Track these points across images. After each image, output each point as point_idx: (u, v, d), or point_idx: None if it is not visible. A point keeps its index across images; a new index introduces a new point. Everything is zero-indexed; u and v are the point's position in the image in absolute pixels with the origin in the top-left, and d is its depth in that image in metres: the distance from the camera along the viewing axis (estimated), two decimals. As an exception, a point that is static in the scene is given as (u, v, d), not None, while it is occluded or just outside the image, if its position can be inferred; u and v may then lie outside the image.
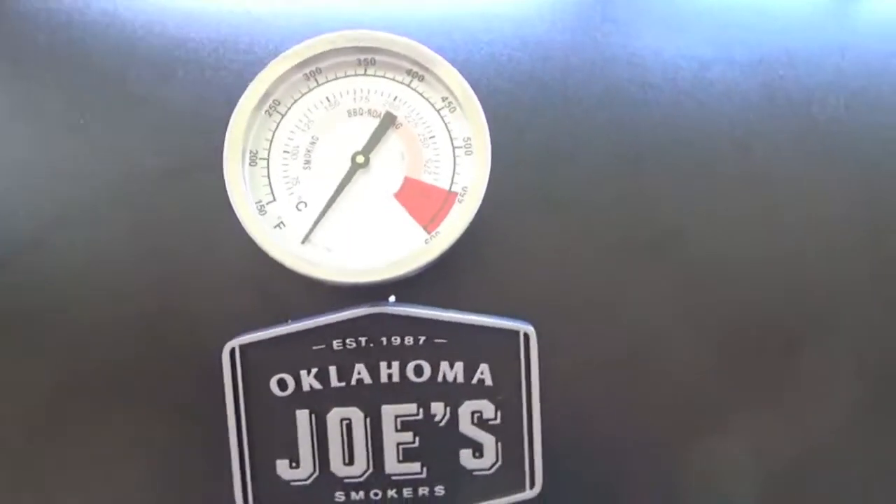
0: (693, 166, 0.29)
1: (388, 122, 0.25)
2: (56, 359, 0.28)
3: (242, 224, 0.24)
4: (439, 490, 0.28)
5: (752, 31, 0.31)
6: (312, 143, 0.25)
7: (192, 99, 0.28)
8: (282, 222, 0.24)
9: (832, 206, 0.30)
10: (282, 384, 0.27)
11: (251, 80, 0.24)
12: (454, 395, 0.27)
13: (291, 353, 0.27)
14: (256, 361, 0.27)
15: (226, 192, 0.24)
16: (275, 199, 0.25)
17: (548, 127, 0.28)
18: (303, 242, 0.24)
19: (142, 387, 0.28)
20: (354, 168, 0.25)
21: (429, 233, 0.24)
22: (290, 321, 0.27)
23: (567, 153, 0.28)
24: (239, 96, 0.24)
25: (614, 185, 0.28)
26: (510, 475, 0.28)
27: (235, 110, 0.24)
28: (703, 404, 0.29)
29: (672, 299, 0.29)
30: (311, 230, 0.24)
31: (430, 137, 0.25)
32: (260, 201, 0.24)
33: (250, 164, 0.24)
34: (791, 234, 0.29)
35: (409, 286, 0.27)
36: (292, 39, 0.26)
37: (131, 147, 0.28)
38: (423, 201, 0.25)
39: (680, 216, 0.29)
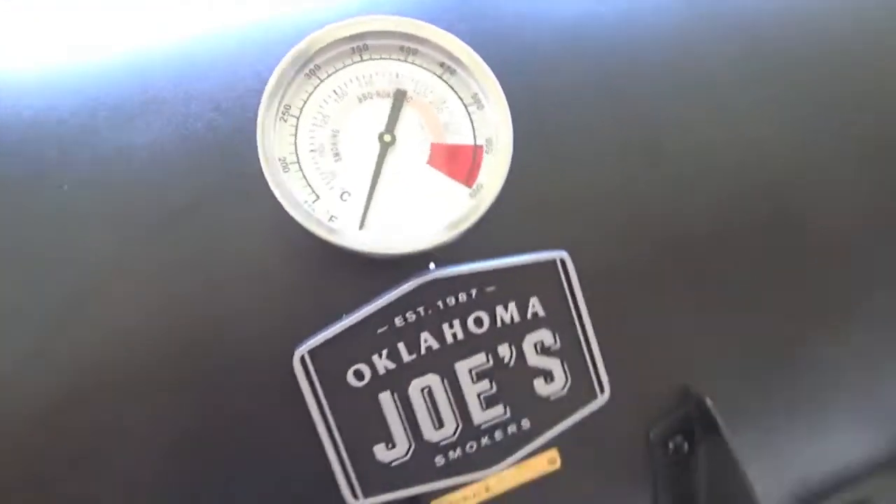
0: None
1: (401, 97, 0.26)
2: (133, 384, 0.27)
3: (306, 227, 0.24)
4: (525, 423, 0.30)
5: None
6: (335, 136, 0.26)
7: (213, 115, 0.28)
8: (332, 216, 0.25)
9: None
10: (358, 374, 0.28)
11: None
12: (515, 333, 0.29)
13: (358, 342, 0.28)
14: (327, 361, 0.27)
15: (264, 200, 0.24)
16: (318, 197, 0.25)
17: (539, 62, 0.31)
18: (361, 228, 0.25)
19: (216, 410, 0.28)
20: (384, 148, 0.26)
21: (470, 187, 0.26)
22: (344, 316, 0.28)
23: (560, 93, 0.31)
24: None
25: (604, 103, 0.31)
26: (581, 389, 0.30)
27: (258, 124, 0.24)
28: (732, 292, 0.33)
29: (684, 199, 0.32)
30: (365, 214, 0.25)
31: (443, 102, 0.26)
32: (305, 202, 0.25)
33: (284, 172, 0.25)
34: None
35: (442, 250, 0.28)
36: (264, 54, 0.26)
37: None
38: (454, 161, 0.26)
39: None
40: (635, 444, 0.33)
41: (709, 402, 0.32)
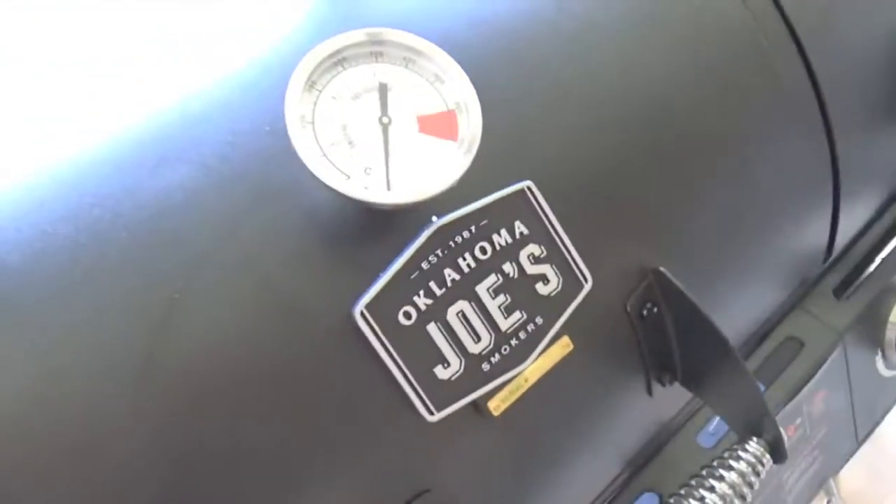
0: None
1: (384, 89, 0.33)
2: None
3: (352, 197, 0.31)
4: (539, 320, 0.37)
5: None
6: (345, 130, 0.32)
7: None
8: (365, 187, 0.32)
9: None
10: (406, 315, 0.34)
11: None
12: (512, 252, 0.37)
13: (400, 289, 0.34)
14: (381, 310, 0.34)
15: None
16: (349, 177, 0.32)
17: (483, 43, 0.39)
18: (388, 189, 0.32)
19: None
20: (385, 128, 0.33)
21: (455, 141, 0.33)
22: (381, 274, 0.34)
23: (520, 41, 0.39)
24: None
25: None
26: (571, 283, 0.38)
27: (289, 131, 0.31)
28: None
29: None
30: (388, 177, 0.32)
31: (414, 85, 0.34)
32: (342, 182, 0.31)
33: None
34: None
35: (438, 204, 0.35)
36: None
37: None
38: (438, 125, 0.33)
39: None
40: (619, 317, 0.41)
41: (664, 270, 0.41)
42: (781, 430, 0.42)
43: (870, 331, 0.62)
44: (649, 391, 0.44)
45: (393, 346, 0.34)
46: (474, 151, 0.33)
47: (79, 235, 0.32)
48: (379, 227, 0.35)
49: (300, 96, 0.32)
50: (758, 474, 0.42)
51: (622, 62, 0.43)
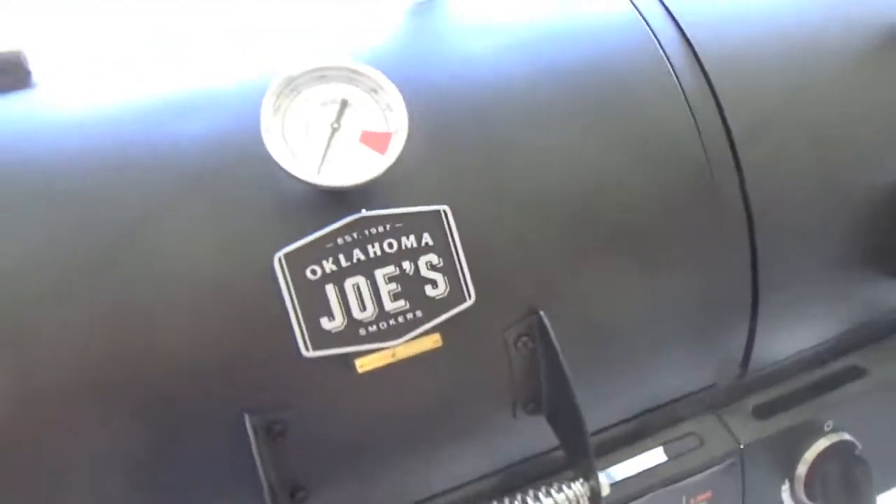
0: None
1: (345, 104, 0.45)
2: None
3: (291, 172, 0.42)
4: (418, 313, 0.47)
5: None
6: (307, 125, 0.44)
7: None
8: (301, 167, 0.43)
9: None
10: (313, 272, 0.45)
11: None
12: (414, 255, 0.47)
13: (314, 252, 0.45)
14: (294, 262, 0.45)
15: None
16: (295, 157, 0.44)
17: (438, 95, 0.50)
18: (318, 173, 0.43)
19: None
20: (333, 131, 0.44)
21: (383, 154, 0.44)
22: (304, 237, 0.45)
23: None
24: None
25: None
26: (455, 295, 0.48)
27: (262, 120, 0.43)
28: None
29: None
30: (321, 166, 0.43)
31: (369, 109, 0.45)
32: (290, 158, 0.43)
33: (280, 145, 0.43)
34: None
35: (371, 199, 0.46)
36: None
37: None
38: (375, 141, 0.45)
39: None
40: (495, 340, 0.50)
41: (543, 314, 0.50)
42: (603, 483, 0.49)
43: (782, 459, 0.65)
44: (514, 413, 0.52)
45: (295, 291, 0.45)
46: (390, 163, 0.44)
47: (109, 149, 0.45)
48: (321, 206, 0.46)
49: (280, 92, 0.44)
50: (571, 508, 0.49)
51: (570, 147, 0.52)
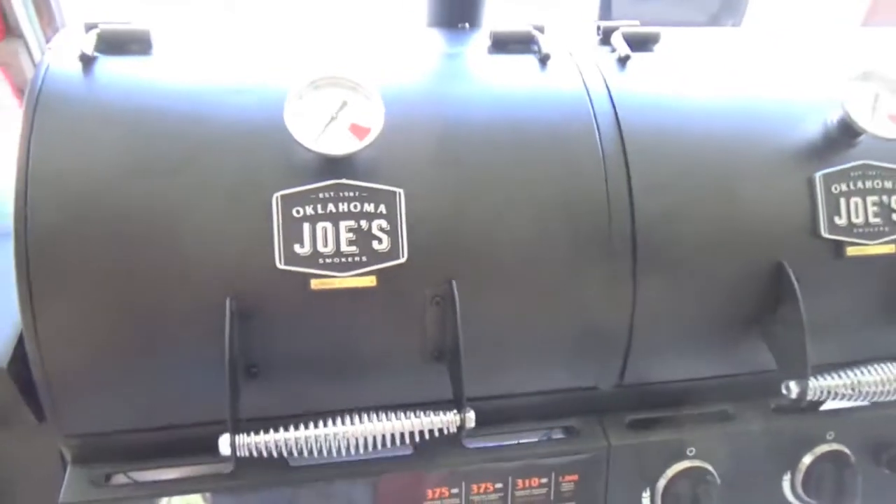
0: None
1: (344, 104, 0.65)
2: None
3: (292, 135, 0.63)
4: (364, 258, 0.65)
5: None
6: (316, 112, 0.65)
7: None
8: (304, 136, 0.63)
9: None
10: (297, 211, 0.65)
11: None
12: (370, 217, 0.66)
13: (301, 198, 0.65)
14: (286, 203, 0.65)
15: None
16: (305, 131, 0.64)
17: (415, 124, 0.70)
18: (315, 142, 0.63)
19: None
20: (331, 120, 0.65)
21: (361, 140, 0.64)
22: (299, 187, 0.65)
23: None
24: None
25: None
26: (393, 252, 0.66)
27: (289, 102, 0.63)
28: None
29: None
30: (318, 139, 0.63)
31: (361, 109, 0.65)
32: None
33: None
34: None
35: (351, 172, 0.66)
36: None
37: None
38: (358, 131, 0.64)
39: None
40: (416, 294, 0.68)
41: (454, 284, 0.67)
42: (470, 417, 0.65)
43: (646, 468, 0.79)
44: (421, 357, 0.69)
45: (282, 221, 0.64)
46: (363, 146, 0.64)
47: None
48: (315, 170, 0.66)
49: (304, 87, 0.65)
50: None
51: (503, 172, 0.70)
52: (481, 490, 0.75)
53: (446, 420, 0.66)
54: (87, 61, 0.68)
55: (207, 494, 0.69)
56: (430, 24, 0.91)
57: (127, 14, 0.75)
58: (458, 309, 0.66)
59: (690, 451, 0.79)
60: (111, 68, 0.69)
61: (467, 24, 0.87)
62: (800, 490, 0.82)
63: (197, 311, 0.64)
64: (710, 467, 0.79)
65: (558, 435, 0.78)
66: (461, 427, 0.66)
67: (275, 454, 0.64)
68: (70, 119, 0.65)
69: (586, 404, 0.79)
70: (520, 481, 0.75)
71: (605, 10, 1.33)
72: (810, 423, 0.82)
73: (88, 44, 0.70)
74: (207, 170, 0.65)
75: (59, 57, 0.69)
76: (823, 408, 0.83)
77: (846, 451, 0.81)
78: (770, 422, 0.81)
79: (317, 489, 0.72)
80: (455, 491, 0.74)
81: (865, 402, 0.83)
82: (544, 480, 0.76)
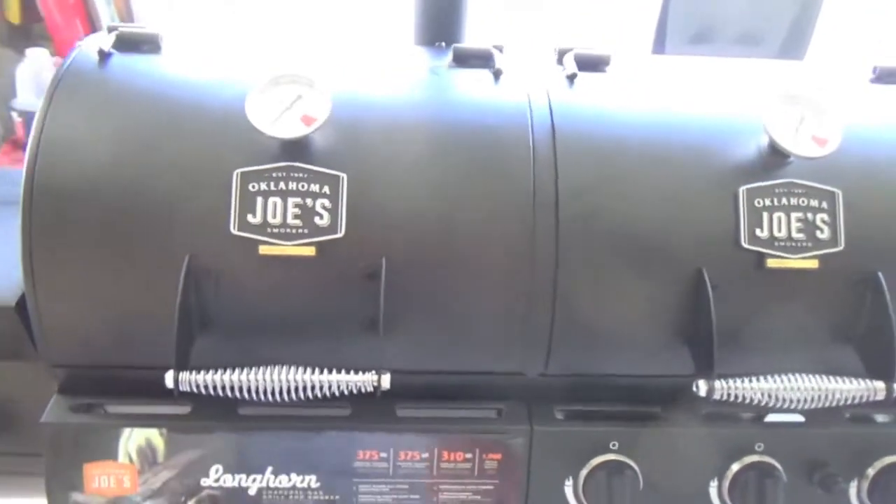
0: None
1: (297, 98, 0.76)
2: None
3: (251, 122, 0.74)
4: (305, 231, 0.75)
5: None
6: (276, 105, 0.76)
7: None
8: (261, 123, 0.75)
9: None
10: (252, 186, 0.76)
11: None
12: (315, 196, 0.76)
13: (258, 176, 0.76)
14: (244, 180, 0.76)
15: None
16: (264, 120, 0.75)
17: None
18: (270, 128, 0.74)
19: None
20: (285, 110, 0.76)
21: (309, 127, 0.75)
22: (256, 166, 0.76)
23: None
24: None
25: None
26: (332, 228, 0.76)
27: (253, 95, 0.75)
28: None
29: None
30: (273, 125, 0.74)
31: (313, 103, 0.76)
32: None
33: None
34: None
35: (303, 156, 0.76)
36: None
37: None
38: (308, 122, 0.75)
39: None
40: (352, 268, 0.77)
41: (384, 261, 0.76)
42: (385, 378, 0.73)
43: (569, 458, 0.84)
44: (360, 327, 0.78)
45: (239, 194, 0.75)
46: (308, 132, 0.74)
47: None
48: (272, 152, 0.77)
49: (266, 83, 0.76)
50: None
51: (438, 166, 0.79)
52: (408, 458, 0.82)
53: (364, 379, 0.74)
54: (102, 56, 0.83)
55: (164, 430, 0.80)
56: (416, 43, 1.02)
57: (180, 15, 0.90)
58: (384, 283, 0.75)
59: (613, 445, 0.83)
60: (121, 62, 0.83)
61: (444, 43, 0.97)
62: (726, 497, 0.84)
63: (161, 264, 0.75)
64: (631, 462, 0.83)
65: (481, 413, 0.84)
66: (377, 387, 0.74)
67: (212, 392, 0.74)
68: (79, 100, 0.79)
69: (517, 391, 0.85)
70: (445, 453, 0.82)
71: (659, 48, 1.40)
72: (740, 433, 0.85)
73: (107, 42, 0.84)
74: (183, 146, 0.77)
75: (83, 52, 0.84)
76: (755, 420, 0.86)
77: (773, 463, 0.83)
78: (697, 427, 0.84)
79: (260, 437, 0.81)
80: (384, 455, 0.81)
81: (799, 418, 0.85)
82: (468, 456, 0.83)
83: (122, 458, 0.80)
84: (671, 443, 0.84)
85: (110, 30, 0.87)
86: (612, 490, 0.82)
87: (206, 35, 0.93)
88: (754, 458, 0.84)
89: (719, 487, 0.85)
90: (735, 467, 0.84)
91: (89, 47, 0.85)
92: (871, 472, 0.85)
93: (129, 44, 0.85)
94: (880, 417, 0.87)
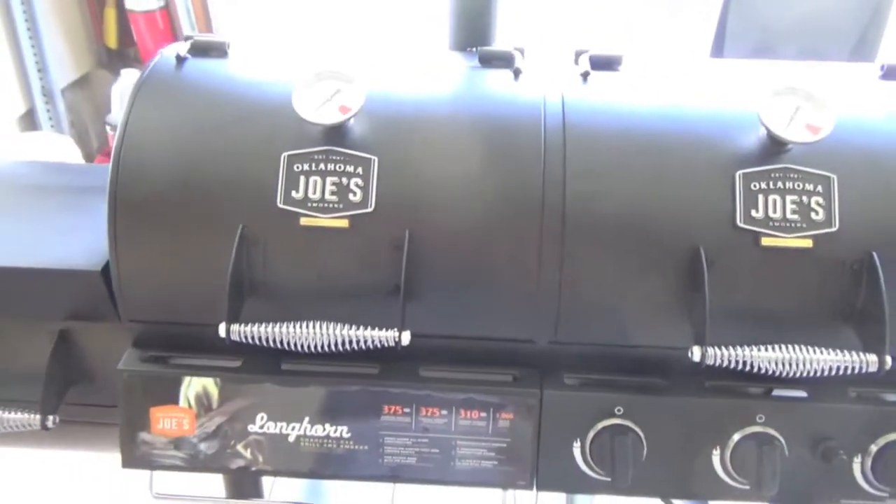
0: None
1: (338, 91, 0.88)
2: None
3: (296, 111, 0.86)
4: (340, 206, 0.86)
5: None
6: (321, 96, 0.88)
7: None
8: (307, 111, 0.87)
9: None
10: (299, 167, 0.88)
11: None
12: (350, 175, 0.87)
13: (302, 158, 0.88)
14: (291, 161, 0.88)
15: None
16: (310, 110, 0.87)
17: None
18: (313, 114, 0.86)
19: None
20: (327, 101, 0.87)
21: (344, 114, 0.86)
22: (302, 150, 0.88)
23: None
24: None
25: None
26: (364, 203, 0.87)
27: (298, 91, 0.87)
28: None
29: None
30: (316, 114, 0.86)
31: (349, 95, 0.88)
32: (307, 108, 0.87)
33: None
34: None
35: (341, 141, 0.88)
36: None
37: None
38: (347, 110, 0.87)
39: None
40: (381, 239, 0.87)
41: (408, 233, 0.86)
42: (406, 334, 0.83)
43: (576, 420, 0.91)
44: (386, 292, 0.88)
45: (286, 173, 0.88)
46: (343, 120, 0.86)
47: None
48: (314, 137, 0.89)
49: (311, 78, 0.88)
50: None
51: (458, 153, 0.89)
52: (429, 413, 0.91)
53: (387, 335, 0.84)
54: (179, 60, 0.97)
55: (218, 380, 0.92)
56: (450, 48, 1.13)
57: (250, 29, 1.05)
58: (406, 253, 0.85)
59: (618, 411, 0.90)
60: (193, 65, 0.98)
61: (475, 48, 1.08)
62: (729, 466, 0.90)
63: (218, 234, 0.88)
64: (635, 426, 0.89)
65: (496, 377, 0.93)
66: (398, 342, 0.84)
67: (256, 342, 0.85)
68: (157, 96, 0.93)
69: (531, 359, 0.93)
70: (463, 411, 0.91)
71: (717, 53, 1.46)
72: (741, 404, 0.90)
73: (184, 49, 0.99)
74: (240, 134, 0.90)
75: (163, 57, 0.99)
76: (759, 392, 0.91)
77: (774, 433, 0.88)
78: (700, 397, 0.90)
79: (300, 390, 0.92)
80: (407, 410, 0.91)
81: (802, 394, 0.90)
82: (483, 414, 0.91)
83: (182, 403, 0.92)
84: (674, 411, 0.90)
85: (186, 39, 1.02)
86: (615, 451, 0.88)
87: (266, 42, 1.06)
88: (756, 428, 0.89)
89: (721, 456, 0.90)
90: (736, 437, 0.89)
91: (169, 53, 1.00)
92: (874, 448, 0.88)
93: (202, 50, 1.00)
94: (889, 396, 0.91)
